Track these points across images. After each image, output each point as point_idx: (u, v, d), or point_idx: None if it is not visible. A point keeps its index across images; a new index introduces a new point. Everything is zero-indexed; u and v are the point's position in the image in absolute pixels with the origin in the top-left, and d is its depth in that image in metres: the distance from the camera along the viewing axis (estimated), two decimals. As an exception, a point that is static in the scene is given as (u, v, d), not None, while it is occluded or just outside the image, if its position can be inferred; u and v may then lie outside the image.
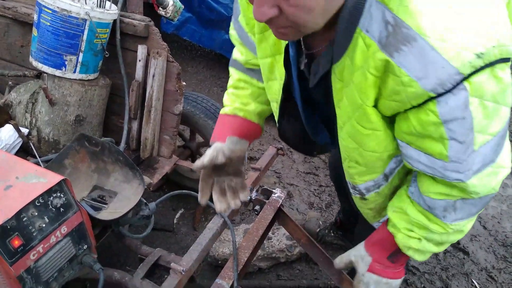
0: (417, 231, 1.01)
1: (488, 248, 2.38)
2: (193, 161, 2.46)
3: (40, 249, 1.17)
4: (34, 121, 1.84)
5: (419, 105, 0.78)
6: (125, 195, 1.65)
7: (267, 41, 1.04)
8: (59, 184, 1.20)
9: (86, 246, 1.36)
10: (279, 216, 1.79)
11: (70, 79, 1.75)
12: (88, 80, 1.80)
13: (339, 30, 0.80)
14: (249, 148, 2.94)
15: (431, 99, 0.75)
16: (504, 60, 0.73)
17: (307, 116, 1.20)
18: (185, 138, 2.45)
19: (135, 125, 1.95)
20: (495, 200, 2.68)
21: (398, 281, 1.15)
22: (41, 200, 1.16)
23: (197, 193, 1.38)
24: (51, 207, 1.19)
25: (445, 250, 2.36)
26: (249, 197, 1.82)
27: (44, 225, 1.17)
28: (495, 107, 0.77)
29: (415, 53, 0.72)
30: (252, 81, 1.30)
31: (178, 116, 1.95)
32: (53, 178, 1.20)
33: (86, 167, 1.67)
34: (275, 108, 1.20)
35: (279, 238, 2.17)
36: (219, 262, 2.08)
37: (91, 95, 1.81)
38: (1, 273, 1.11)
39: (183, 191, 1.77)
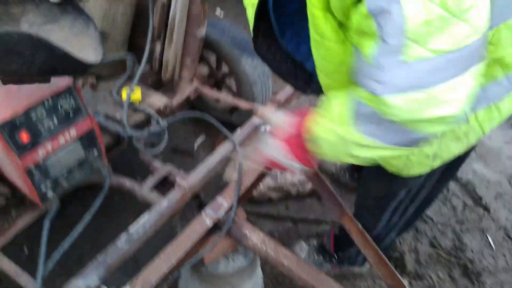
0: (333, 124, 0.86)
1: (512, 208, 2.28)
2: (218, 89, 2.48)
3: (49, 147, 1.26)
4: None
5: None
6: (58, 39, 1.13)
7: None
8: (69, 88, 1.26)
9: (96, 152, 1.44)
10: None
11: (96, -7, 1.76)
12: (113, -4, 1.81)
13: None
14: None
15: None
16: None
17: (281, 30, 1.06)
18: (211, 67, 2.45)
19: (158, 46, 1.96)
20: (530, 160, 2.54)
21: (297, 167, 1.02)
22: (50, 102, 1.23)
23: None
24: (60, 109, 1.26)
25: (465, 204, 2.29)
26: (264, 128, 1.84)
27: (52, 126, 1.25)
28: (442, 16, 0.65)
29: None
30: None
31: (201, 40, 1.94)
32: (62, 82, 1.26)
33: None
34: (250, 15, 1.05)
35: (264, 192, 2.19)
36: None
37: (115, 11, 1.83)
38: (12, 164, 1.21)
39: (196, 112, 1.79)
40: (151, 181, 1.61)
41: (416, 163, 1.13)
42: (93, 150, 1.43)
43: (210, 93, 2.18)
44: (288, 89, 2.05)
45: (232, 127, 2.52)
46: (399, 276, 1.35)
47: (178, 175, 1.67)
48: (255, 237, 1.44)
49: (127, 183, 1.62)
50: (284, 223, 2.09)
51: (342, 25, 0.83)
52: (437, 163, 1.16)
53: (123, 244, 1.33)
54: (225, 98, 2.18)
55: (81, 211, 1.36)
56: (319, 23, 0.83)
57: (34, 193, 1.28)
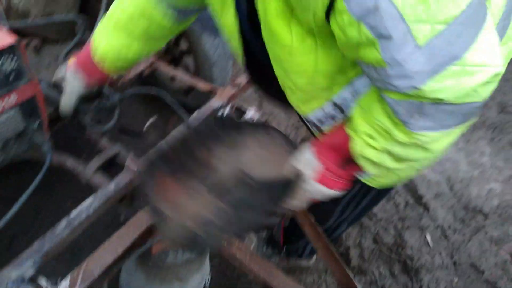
0: (379, 139, 0.80)
1: (449, 208, 2.40)
2: (175, 67, 2.33)
3: (-18, 114, 1.08)
4: (2, -16, 1.66)
5: (330, 8, 0.66)
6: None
7: None
8: (11, 47, 1.08)
9: (37, 124, 1.28)
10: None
11: None
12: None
13: None
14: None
15: None
16: None
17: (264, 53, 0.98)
18: (169, 43, 2.29)
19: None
20: (468, 164, 2.68)
21: (342, 192, 0.99)
22: (-13, 61, 1.05)
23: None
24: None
25: (406, 202, 2.38)
26: (221, 113, 1.75)
27: (-12, 89, 1.07)
28: None
29: None
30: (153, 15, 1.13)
31: None
32: (4, 38, 1.08)
33: (180, 189, 1.07)
34: (235, 46, 1.02)
35: None
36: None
37: (68, -34, 1.63)
38: None
39: (153, 88, 1.66)
40: (96, 161, 1.47)
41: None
42: (33, 121, 1.26)
43: (166, 69, 2.04)
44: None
45: (188, 110, 2.41)
46: (348, 271, 1.35)
47: (127, 157, 1.54)
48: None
49: (69, 162, 1.47)
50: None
51: (309, 32, 0.77)
52: None
53: (62, 230, 1.19)
54: (182, 76, 2.05)
55: (14, 190, 1.20)
56: (282, 36, 0.78)
57: (-41, 166, 1.10)
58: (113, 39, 1.18)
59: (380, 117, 0.78)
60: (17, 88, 1.14)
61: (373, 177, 0.95)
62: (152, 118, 2.44)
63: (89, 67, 1.24)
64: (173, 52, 2.27)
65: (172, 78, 2.35)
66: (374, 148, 0.82)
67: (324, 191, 0.95)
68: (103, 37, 1.19)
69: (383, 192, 1.44)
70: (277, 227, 1.84)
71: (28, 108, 1.21)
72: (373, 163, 0.85)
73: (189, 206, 1.01)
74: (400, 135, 0.77)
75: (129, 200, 1.46)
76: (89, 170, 1.44)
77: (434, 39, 0.63)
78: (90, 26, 1.71)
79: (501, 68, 0.68)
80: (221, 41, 2.14)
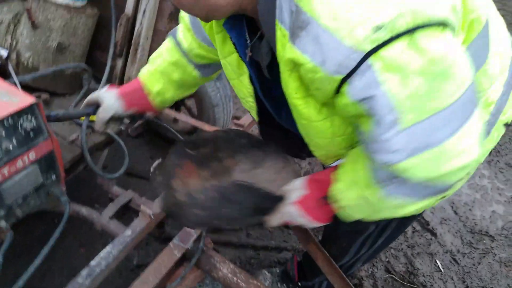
0: (357, 190, 0.88)
1: (456, 233, 2.42)
2: (176, 110, 2.40)
3: (5, 172, 1.12)
4: (14, 43, 1.74)
5: (338, 90, 0.75)
6: (265, 179, 1.21)
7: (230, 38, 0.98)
8: (31, 107, 1.14)
9: (54, 176, 1.31)
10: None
11: (56, 3, 1.65)
12: (75, 7, 1.70)
13: (262, 21, 0.79)
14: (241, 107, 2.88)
15: (343, 81, 0.71)
16: (427, 26, 0.65)
17: (277, 113, 1.11)
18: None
19: (119, 63, 1.86)
20: (470, 188, 2.72)
21: (314, 225, 1.05)
22: (10, 121, 1.10)
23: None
24: (20, 129, 1.13)
25: (414, 228, 2.40)
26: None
27: (11, 147, 1.11)
28: (427, 83, 0.67)
29: (310, 37, 0.69)
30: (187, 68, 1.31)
31: (166, 59, 1.87)
32: (25, 99, 1.13)
33: (197, 178, 1.23)
34: (250, 103, 1.12)
35: None
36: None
37: (76, 22, 1.71)
38: (-39, 189, 1.06)
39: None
40: (111, 208, 1.50)
41: None
42: (51, 174, 1.29)
43: (171, 113, 2.10)
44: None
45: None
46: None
47: (141, 202, 1.57)
48: (225, 267, 1.38)
49: (84, 210, 1.49)
50: (245, 251, 2.04)
51: (325, 104, 0.86)
52: None
53: (84, 279, 1.20)
54: (185, 119, 2.10)
55: (26, 239, 1.22)
56: (301, 110, 0.87)
57: (-16, 223, 1.13)
58: (158, 83, 1.34)
59: (363, 172, 0.87)
60: (37, 145, 1.19)
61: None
62: (158, 161, 2.48)
63: (134, 98, 1.36)
64: (176, 96, 2.34)
65: (175, 120, 2.41)
66: (352, 195, 0.90)
67: (298, 217, 1.03)
68: (154, 80, 1.34)
69: (398, 231, 1.45)
70: (291, 261, 1.85)
71: (46, 163, 1.25)
72: (346, 207, 0.94)
73: (191, 185, 1.17)
74: (371, 195, 0.85)
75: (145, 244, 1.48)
76: (104, 218, 1.47)
77: (418, 124, 0.70)
78: (97, 78, 1.77)
79: (478, 157, 0.75)
80: (222, 84, 2.22)
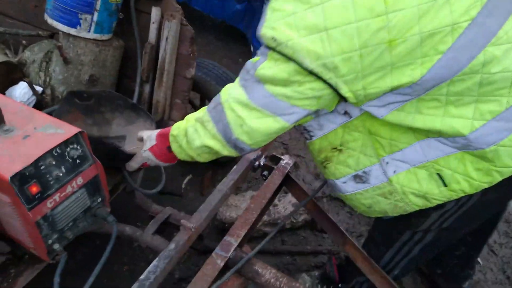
0: (186, 122, 1.27)
1: (490, 224, 2.40)
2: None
3: (57, 198, 1.21)
4: (48, 79, 1.86)
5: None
6: (135, 135, 1.60)
7: None
8: (75, 135, 1.23)
9: (100, 199, 1.40)
10: (287, 182, 1.82)
11: (85, 38, 1.76)
12: (102, 40, 1.81)
13: None
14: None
15: None
16: None
17: None
18: (195, 105, 2.47)
19: (147, 88, 1.96)
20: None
21: (161, 164, 1.45)
22: (58, 150, 1.19)
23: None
24: (68, 157, 1.22)
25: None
26: (257, 163, 1.86)
27: (61, 175, 1.20)
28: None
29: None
30: None
31: (190, 80, 1.96)
32: (70, 129, 1.23)
33: (82, 124, 1.68)
34: None
35: (285, 205, 2.21)
36: (226, 225, 2.13)
37: (104, 55, 1.82)
38: (20, 218, 1.15)
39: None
40: (153, 225, 1.58)
41: (363, 208, 1.36)
42: (97, 197, 1.38)
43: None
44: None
45: (219, 165, 2.53)
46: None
47: (180, 217, 1.65)
48: (267, 273, 1.43)
49: (128, 229, 1.58)
50: (282, 257, 2.09)
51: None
52: (376, 214, 1.35)
53: (136, 293, 1.28)
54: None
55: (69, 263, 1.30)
56: None
57: (41, 247, 1.21)
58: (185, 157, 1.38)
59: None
60: (83, 171, 1.28)
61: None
62: (188, 177, 2.57)
63: (164, 156, 1.44)
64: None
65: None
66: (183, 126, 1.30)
67: (153, 160, 1.43)
68: (182, 154, 1.36)
69: (438, 244, 1.43)
70: (329, 263, 1.89)
71: (92, 187, 1.34)
72: (176, 136, 1.31)
73: None
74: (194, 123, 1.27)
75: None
76: (147, 235, 1.55)
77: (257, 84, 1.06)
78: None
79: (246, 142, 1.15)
80: (229, 77, 2.29)
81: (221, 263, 1.40)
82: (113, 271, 1.95)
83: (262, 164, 1.86)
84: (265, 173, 1.85)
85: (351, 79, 0.94)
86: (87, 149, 1.28)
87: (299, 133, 2.94)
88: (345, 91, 0.97)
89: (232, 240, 1.47)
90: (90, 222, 1.41)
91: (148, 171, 2.02)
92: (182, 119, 2.08)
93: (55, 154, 1.19)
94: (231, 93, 1.09)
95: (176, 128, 1.31)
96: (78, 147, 1.25)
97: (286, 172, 1.81)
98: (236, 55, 3.89)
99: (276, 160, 1.89)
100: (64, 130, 1.23)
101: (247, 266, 1.45)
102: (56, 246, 1.27)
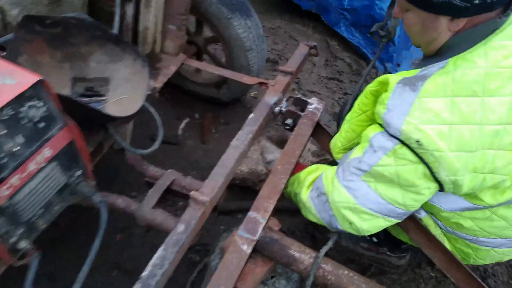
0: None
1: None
2: (198, 59, 2.03)
3: (15, 181, 0.82)
4: (-6, -1, 1.36)
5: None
6: (122, 77, 1.30)
7: None
8: (34, 87, 0.81)
9: (79, 171, 1.01)
10: (316, 133, 1.45)
11: None
12: None
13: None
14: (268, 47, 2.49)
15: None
16: None
17: None
18: (189, 31, 1.98)
19: (130, 9, 1.48)
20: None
21: None
22: (9, 112, 0.78)
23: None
24: (26, 121, 0.81)
25: None
26: (278, 109, 1.47)
27: (18, 148, 0.80)
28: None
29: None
30: None
31: (188, -1, 1.49)
32: (25, 78, 0.80)
33: (50, 58, 1.26)
34: None
35: (305, 156, 1.86)
36: (236, 181, 1.78)
37: (69, -38, 1.32)
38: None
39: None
40: (152, 196, 1.21)
41: None
42: (75, 169, 0.99)
43: (198, 64, 1.74)
44: (297, 54, 1.68)
45: (221, 105, 2.13)
46: (480, 281, 1.11)
47: (184, 182, 1.28)
48: (304, 256, 1.12)
49: (121, 202, 1.22)
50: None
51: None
52: None
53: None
54: (211, 69, 1.74)
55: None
56: None
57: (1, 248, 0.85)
58: None
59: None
60: (51, 137, 0.87)
61: None
62: (185, 121, 2.17)
63: None
64: (196, 42, 1.96)
65: (197, 70, 2.06)
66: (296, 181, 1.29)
67: None
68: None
69: None
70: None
71: (67, 158, 0.94)
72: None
73: (43, 65, 1.22)
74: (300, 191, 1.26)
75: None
76: (146, 209, 1.19)
77: (373, 192, 1.04)
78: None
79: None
80: (253, 22, 1.83)
81: (247, 249, 1.07)
82: (103, 241, 1.61)
83: (284, 110, 1.47)
84: (289, 121, 1.47)
85: (466, 191, 0.97)
86: (54, 104, 0.86)
87: (311, 64, 2.50)
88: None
89: (259, 216, 1.13)
90: (70, 202, 1.03)
91: (138, 120, 1.62)
92: (179, 51, 1.65)
93: (5, 118, 0.77)
94: (336, 197, 1.08)
95: (294, 183, 1.29)
96: (40, 104, 0.83)
97: (317, 120, 1.43)
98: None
99: (301, 104, 1.50)
100: (16, 79, 0.80)
101: (278, 247, 1.13)
102: (23, 244, 0.90)
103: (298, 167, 1.32)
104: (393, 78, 0.97)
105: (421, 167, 0.93)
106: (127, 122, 1.33)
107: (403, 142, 0.92)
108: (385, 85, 0.99)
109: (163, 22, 1.50)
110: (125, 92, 1.25)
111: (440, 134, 0.88)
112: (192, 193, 1.15)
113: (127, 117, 1.14)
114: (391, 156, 0.95)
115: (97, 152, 1.28)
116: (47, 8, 1.39)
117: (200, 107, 2.13)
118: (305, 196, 1.19)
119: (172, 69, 1.60)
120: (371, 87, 1.05)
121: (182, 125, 2.04)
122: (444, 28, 0.94)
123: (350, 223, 1.08)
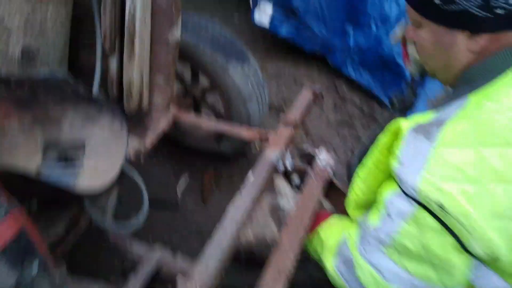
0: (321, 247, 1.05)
1: None
2: (195, 111, 1.88)
3: None
4: (-39, 59, 1.23)
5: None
6: (98, 141, 1.14)
7: None
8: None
9: (36, 263, 0.81)
10: (328, 192, 1.25)
11: (7, -10, 1.12)
12: (36, -8, 1.17)
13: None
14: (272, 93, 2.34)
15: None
16: None
17: None
18: (185, 82, 1.84)
19: (113, 62, 1.34)
20: None
21: None
22: None
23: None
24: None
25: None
26: (282, 167, 1.29)
27: None
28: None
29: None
30: None
31: (176, 46, 1.34)
32: None
33: (17, 123, 1.11)
34: None
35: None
36: (242, 254, 1.55)
37: (42, 15, 1.19)
38: None
39: None
40: (134, 284, 1.00)
41: None
42: (30, 262, 0.80)
43: (191, 120, 1.58)
44: (300, 100, 1.50)
45: (222, 159, 1.95)
46: None
47: (174, 265, 1.07)
48: None
49: (96, 289, 1.01)
50: None
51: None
52: None
53: None
54: (208, 124, 1.58)
55: None
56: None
57: None
58: None
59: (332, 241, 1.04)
60: (-10, 230, 0.68)
61: None
62: (184, 179, 1.97)
63: None
64: (193, 93, 1.81)
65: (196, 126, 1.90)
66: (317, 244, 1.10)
67: None
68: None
69: None
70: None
71: (16, 251, 0.75)
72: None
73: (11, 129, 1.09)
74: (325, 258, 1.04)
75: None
76: (126, 300, 0.98)
77: (391, 263, 0.83)
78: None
79: None
80: (252, 68, 1.68)
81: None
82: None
83: (290, 168, 1.28)
84: (296, 180, 1.27)
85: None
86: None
87: (318, 108, 2.33)
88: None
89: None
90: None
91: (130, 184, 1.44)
92: (168, 104, 1.49)
93: None
94: (360, 275, 0.88)
95: (317, 245, 1.09)
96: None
97: (329, 177, 1.23)
98: (231, 7, 3.15)
99: (308, 157, 1.31)
100: None
101: None
102: None
103: (318, 217, 1.13)
104: (404, 124, 0.78)
105: (449, 239, 0.72)
106: (105, 194, 1.15)
107: (422, 205, 0.72)
108: (398, 134, 0.80)
109: (150, 74, 1.35)
110: (102, 159, 1.08)
111: (466, 195, 0.68)
112: (179, 276, 0.94)
113: (100, 190, 0.96)
114: (412, 224, 0.75)
115: (71, 228, 1.09)
116: (19, 65, 1.25)
117: (201, 163, 1.95)
118: (331, 266, 0.97)
119: (163, 124, 1.43)
120: (384, 141, 0.86)
121: (182, 184, 1.85)
122: (461, 47, 0.77)
123: None
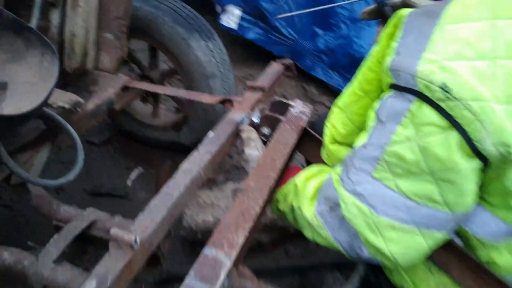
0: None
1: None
2: (154, 98, 1.71)
3: None
4: None
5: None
6: (25, 80, 0.94)
7: None
8: None
9: None
10: (302, 142, 1.09)
11: None
12: None
13: None
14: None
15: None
16: None
17: None
18: (141, 65, 1.69)
19: (55, 15, 1.18)
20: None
21: None
22: None
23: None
24: None
25: None
26: (248, 120, 1.14)
27: None
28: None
29: None
30: None
31: None
32: None
33: None
34: None
35: None
36: (199, 236, 1.36)
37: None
38: None
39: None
40: (55, 245, 0.79)
41: None
42: None
43: (142, 86, 1.40)
44: (268, 72, 1.38)
45: (181, 151, 1.77)
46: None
47: (109, 224, 0.88)
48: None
49: (8, 255, 0.80)
50: (289, 277, 1.36)
51: None
52: None
53: None
54: (171, 91, 1.42)
55: None
56: None
57: None
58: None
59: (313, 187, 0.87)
60: None
61: None
62: (137, 170, 1.76)
63: None
64: (150, 76, 1.66)
65: (154, 112, 1.73)
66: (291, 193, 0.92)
67: None
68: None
69: None
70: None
71: None
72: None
73: None
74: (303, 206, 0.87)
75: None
76: (45, 263, 0.77)
77: (383, 186, 0.70)
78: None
79: (393, 261, 0.73)
80: (216, 45, 1.55)
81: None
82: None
83: (257, 121, 1.13)
84: (266, 130, 1.12)
85: None
86: None
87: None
88: None
89: (221, 254, 0.72)
90: None
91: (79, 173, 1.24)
92: (117, 67, 1.32)
93: None
94: (345, 213, 0.74)
95: (288, 194, 0.92)
96: None
97: (302, 125, 1.08)
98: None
99: (281, 109, 1.16)
100: None
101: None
102: None
103: (290, 171, 0.97)
104: (405, 10, 0.67)
105: (454, 135, 0.59)
106: (19, 123, 0.94)
107: (421, 96, 0.60)
108: (397, 25, 0.69)
109: (97, 29, 1.19)
110: (29, 96, 0.89)
111: (478, 74, 0.56)
112: (113, 230, 0.74)
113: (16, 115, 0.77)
114: (409, 125, 0.63)
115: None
116: None
117: (157, 156, 1.76)
118: (310, 212, 0.81)
119: (110, 91, 1.25)
120: (380, 46, 0.74)
121: (133, 175, 1.65)
122: None
123: (376, 248, 0.71)
